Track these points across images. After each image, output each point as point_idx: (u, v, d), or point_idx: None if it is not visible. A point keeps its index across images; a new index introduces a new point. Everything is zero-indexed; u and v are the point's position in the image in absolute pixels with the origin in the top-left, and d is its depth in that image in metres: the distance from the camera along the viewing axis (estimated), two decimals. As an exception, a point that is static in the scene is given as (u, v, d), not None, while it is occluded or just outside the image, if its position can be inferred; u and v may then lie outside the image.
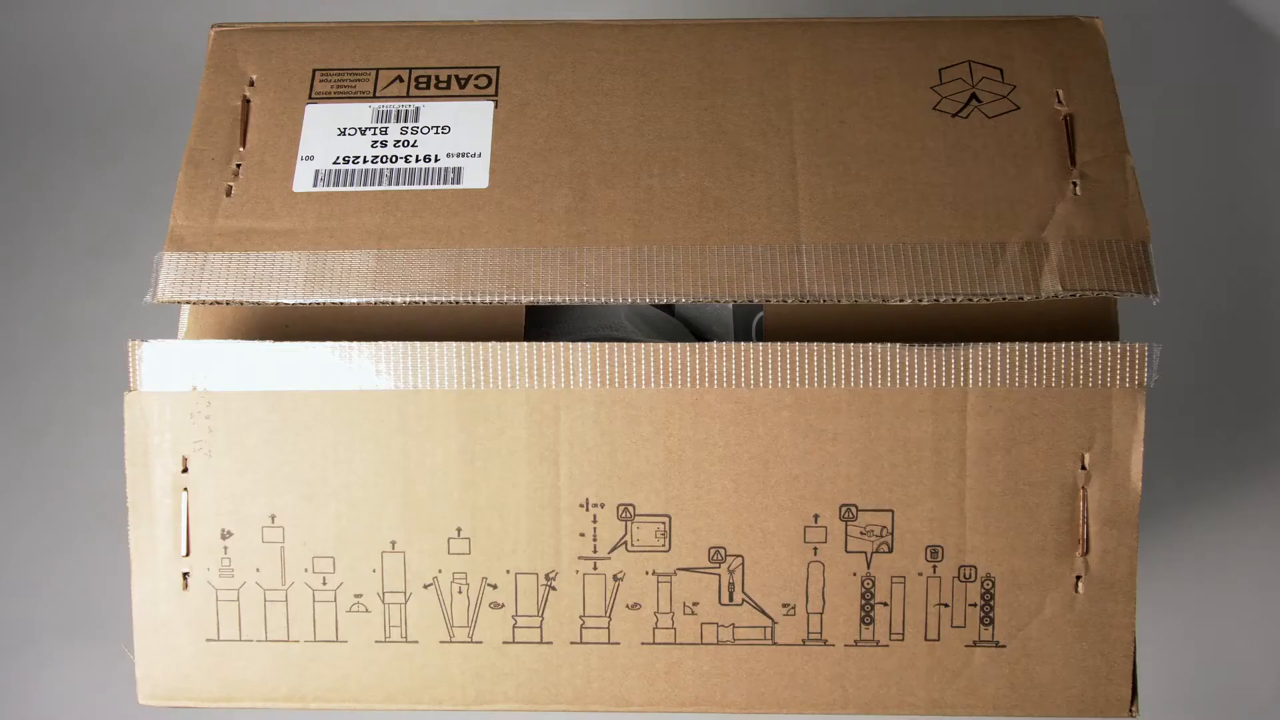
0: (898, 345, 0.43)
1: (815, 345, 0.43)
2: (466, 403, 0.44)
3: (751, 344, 0.44)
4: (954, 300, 0.44)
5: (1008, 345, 0.43)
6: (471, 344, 0.44)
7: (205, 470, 0.45)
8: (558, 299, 0.44)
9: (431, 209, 0.47)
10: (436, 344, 0.44)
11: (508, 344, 0.44)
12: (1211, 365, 0.67)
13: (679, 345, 0.43)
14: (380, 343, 0.44)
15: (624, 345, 0.43)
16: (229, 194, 0.47)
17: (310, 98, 0.49)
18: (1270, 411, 0.66)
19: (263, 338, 0.45)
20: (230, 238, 0.47)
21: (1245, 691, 0.62)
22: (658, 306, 0.54)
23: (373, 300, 0.45)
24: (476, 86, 0.49)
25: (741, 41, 0.50)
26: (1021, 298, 0.44)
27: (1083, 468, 0.44)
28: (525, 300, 0.45)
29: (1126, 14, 0.68)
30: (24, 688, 0.63)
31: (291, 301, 0.45)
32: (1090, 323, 0.47)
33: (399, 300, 0.45)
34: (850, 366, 0.43)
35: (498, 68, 0.49)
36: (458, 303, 0.45)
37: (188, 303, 0.46)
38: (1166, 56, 0.70)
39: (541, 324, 0.52)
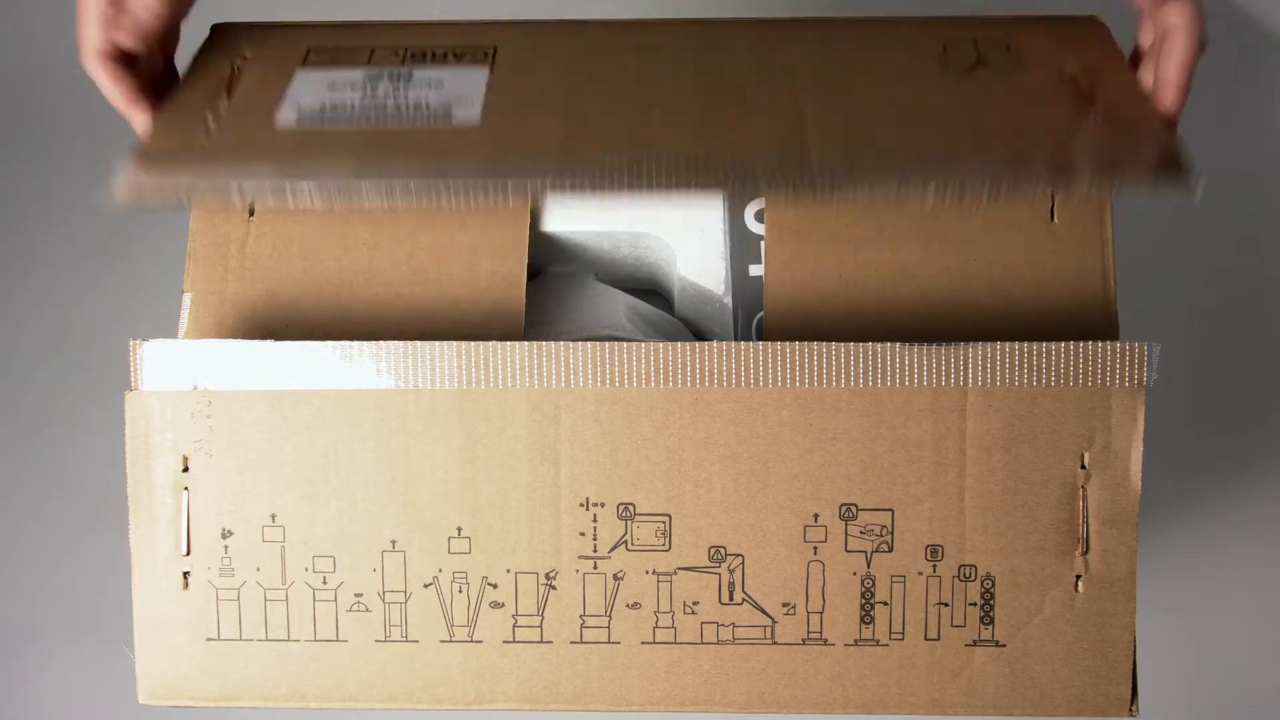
0: (897, 345, 0.43)
1: (815, 345, 0.43)
2: (467, 402, 0.44)
3: (752, 343, 0.44)
4: (980, 195, 0.43)
5: (1007, 345, 0.43)
6: (472, 343, 0.44)
7: (206, 469, 0.45)
8: (550, 190, 0.44)
9: (418, 136, 0.46)
10: (437, 343, 0.44)
11: (508, 343, 0.44)
12: (1211, 365, 0.67)
13: (679, 345, 0.44)
14: (381, 342, 0.44)
15: (624, 345, 0.43)
16: (207, 130, 0.47)
17: (302, 64, 0.49)
18: (1270, 411, 0.66)
19: (263, 337, 0.45)
20: (202, 155, 0.46)
21: (1245, 691, 0.62)
22: (657, 306, 0.54)
23: (353, 180, 0.44)
24: (473, 59, 0.49)
25: (742, 29, 0.50)
26: (1052, 194, 0.44)
27: (1082, 467, 0.44)
28: (513, 193, 0.44)
29: (1126, 14, 0.69)
30: (24, 688, 0.63)
31: (266, 190, 0.44)
32: (1089, 323, 0.47)
33: (379, 192, 0.44)
34: (850, 366, 0.43)
35: (495, 47, 0.49)
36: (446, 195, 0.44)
37: (155, 197, 0.45)
38: None
39: (541, 323, 0.52)
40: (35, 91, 0.72)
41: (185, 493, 0.45)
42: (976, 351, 0.43)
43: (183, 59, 0.66)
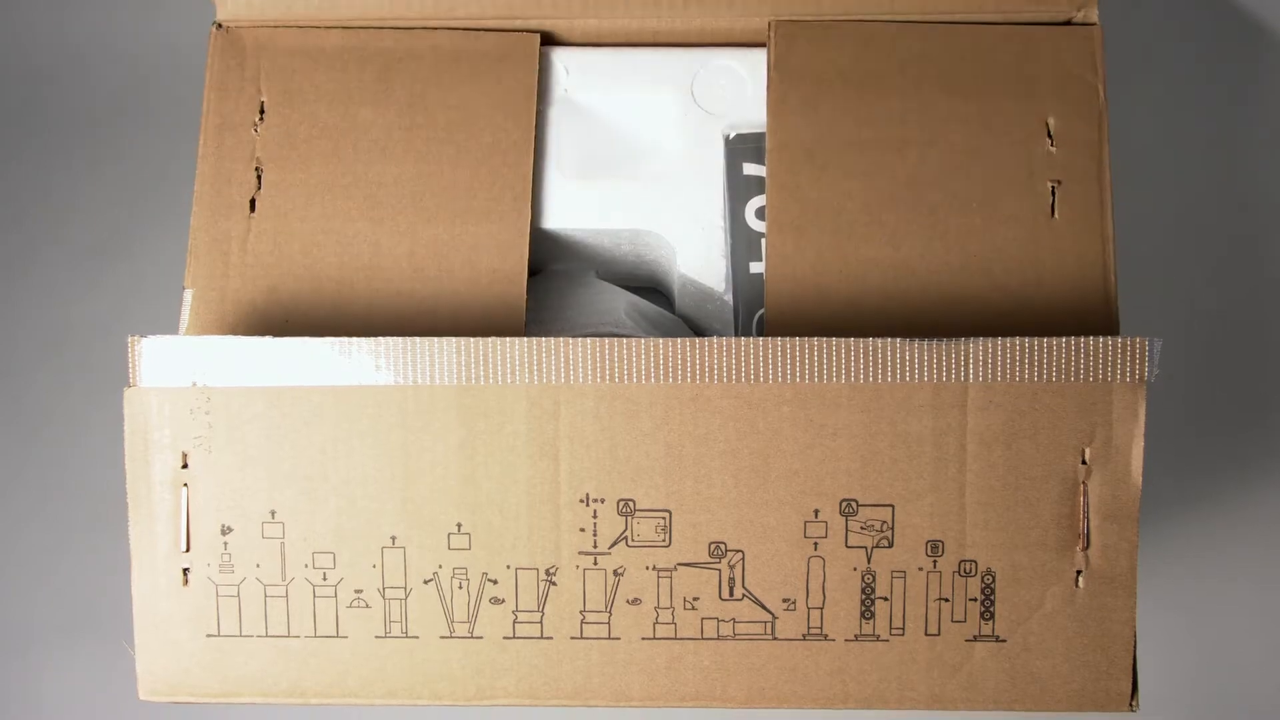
0: (898, 340, 0.43)
1: (816, 340, 0.43)
2: (466, 398, 0.44)
3: (752, 339, 0.44)
4: None
5: (1008, 340, 0.43)
6: (471, 339, 0.44)
7: (205, 466, 0.45)
8: None
9: None
10: (436, 339, 0.44)
11: (508, 339, 0.44)
12: (1212, 364, 0.66)
13: (679, 340, 0.43)
14: (380, 338, 0.44)
15: (624, 340, 0.43)
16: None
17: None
18: (1270, 411, 0.66)
19: (264, 334, 0.45)
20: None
21: (1245, 690, 0.62)
22: (657, 304, 0.54)
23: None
24: None
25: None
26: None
27: (1083, 462, 0.44)
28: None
29: (1126, 14, 0.67)
30: (24, 687, 0.63)
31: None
32: (1090, 319, 0.47)
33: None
34: (851, 361, 0.43)
35: None
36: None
37: None
38: (1166, 56, 0.69)
39: (542, 320, 0.52)
40: (35, 91, 0.72)
41: (184, 489, 0.45)
42: (977, 347, 0.43)
43: (184, 61, 0.65)
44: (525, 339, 0.44)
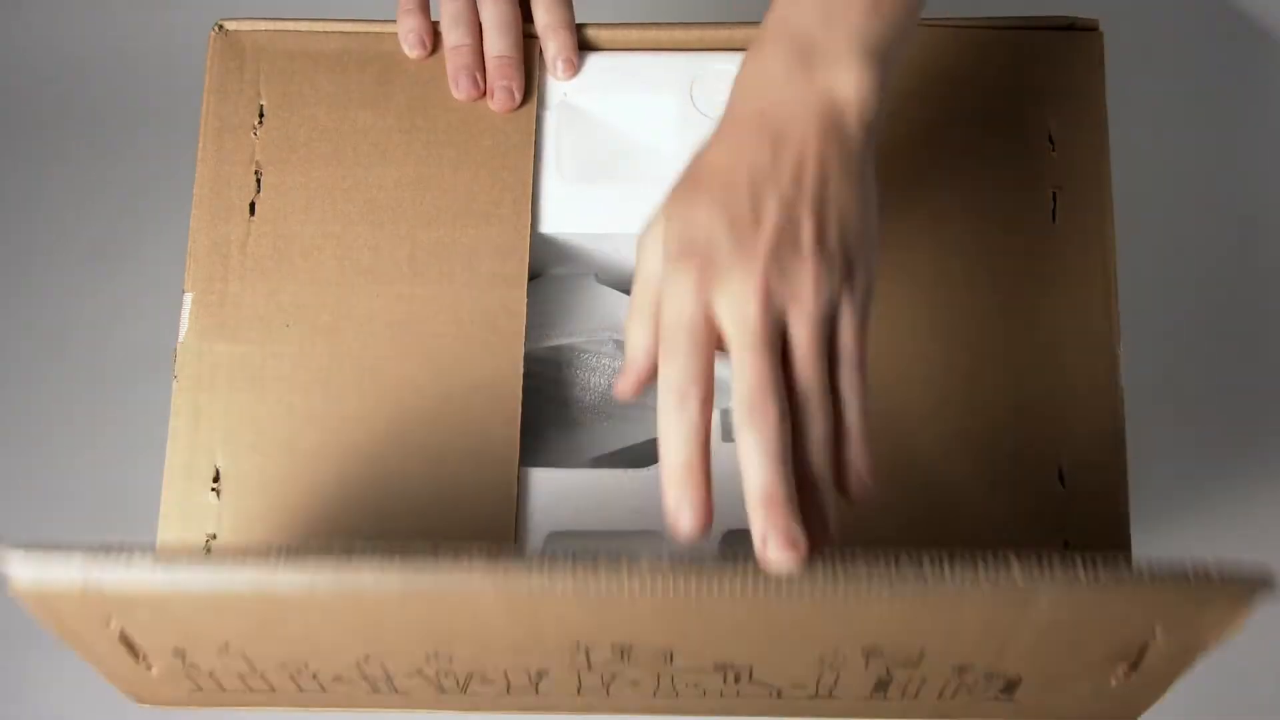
0: (950, 577, 0.33)
1: (852, 565, 0.34)
2: (423, 603, 0.36)
3: (769, 574, 0.34)
4: None
5: (1086, 585, 0.33)
6: (418, 559, 0.34)
7: (135, 628, 0.38)
8: None
9: None
10: (371, 564, 0.34)
11: (464, 562, 0.34)
12: (1211, 365, 0.66)
13: (682, 569, 0.34)
14: (310, 558, 0.34)
15: (612, 566, 0.34)
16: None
17: None
18: (1271, 412, 0.64)
19: (264, 338, 0.47)
20: None
21: (1245, 691, 0.61)
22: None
23: None
24: None
25: None
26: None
27: (1153, 637, 0.37)
28: None
29: (1126, 14, 0.63)
30: (24, 688, 0.62)
31: None
32: (1089, 326, 0.47)
33: None
34: (888, 585, 0.34)
35: None
36: None
37: None
38: (1166, 56, 0.70)
39: (542, 325, 0.50)
40: (35, 91, 0.71)
41: (120, 637, 0.39)
42: (1052, 586, 0.34)
43: (183, 61, 0.62)
44: (486, 564, 0.34)
